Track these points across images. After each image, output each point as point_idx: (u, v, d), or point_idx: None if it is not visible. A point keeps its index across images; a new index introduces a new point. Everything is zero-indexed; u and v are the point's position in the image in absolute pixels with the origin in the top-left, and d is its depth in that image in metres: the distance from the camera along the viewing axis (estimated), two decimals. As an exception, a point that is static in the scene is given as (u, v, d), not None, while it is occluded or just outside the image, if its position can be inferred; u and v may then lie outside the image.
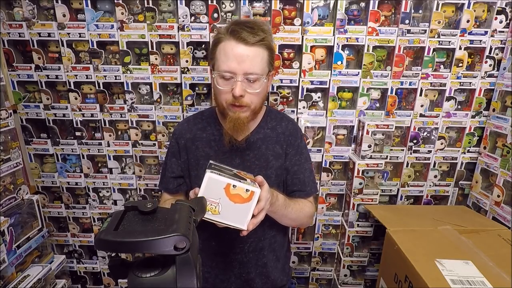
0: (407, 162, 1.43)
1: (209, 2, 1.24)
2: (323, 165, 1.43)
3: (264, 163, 0.97)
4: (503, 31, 1.27)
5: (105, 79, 1.33)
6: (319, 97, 1.38)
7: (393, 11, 1.29)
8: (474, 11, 1.25)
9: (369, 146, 1.33)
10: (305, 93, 1.35)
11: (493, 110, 1.32)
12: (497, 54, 1.29)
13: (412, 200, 1.51)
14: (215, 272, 0.99)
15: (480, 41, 1.28)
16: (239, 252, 0.97)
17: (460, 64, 1.31)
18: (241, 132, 0.93)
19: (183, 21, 1.26)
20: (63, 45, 1.29)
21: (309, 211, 1.00)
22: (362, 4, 1.27)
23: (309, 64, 1.31)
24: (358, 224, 1.43)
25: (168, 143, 1.40)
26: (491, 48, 1.29)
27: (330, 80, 1.32)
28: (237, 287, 0.99)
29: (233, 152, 0.97)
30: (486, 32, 1.27)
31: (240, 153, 0.97)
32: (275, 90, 1.35)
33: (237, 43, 0.83)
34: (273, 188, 0.95)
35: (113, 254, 0.49)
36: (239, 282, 0.99)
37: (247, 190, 0.72)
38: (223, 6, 1.26)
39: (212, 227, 0.97)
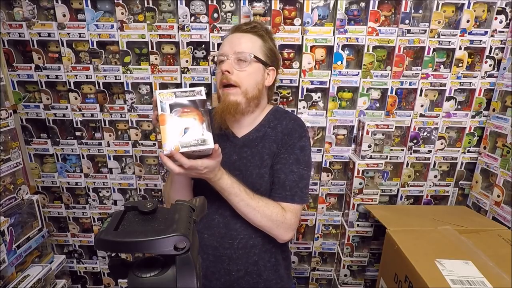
0: (407, 162, 1.43)
1: (209, 2, 1.24)
2: (323, 165, 1.43)
3: (258, 161, 0.96)
4: (503, 31, 1.27)
5: (105, 79, 1.33)
6: (319, 97, 1.38)
7: (393, 11, 1.29)
8: (474, 11, 1.25)
9: (369, 146, 1.33)
10: (305, 93, 1.35)
11: (493, 110, 1.32)
12: (497, 54, 1.29)
13: (412, 200, 1.51)
14: (206, 264, 0.99)
15: (480, 41, 1.28)
16: (228, 248, 0.96)
17: (460, 64, 1.31)
18: (230, 117, 0.95)
19: (183, 21, 1.26)
20: (63, 45, 1.29)
21: (273, 216, 0.89)
22: (362, 4, 1.27)
23: (309, 64, 1.31)
24: (358, 224, 1.43)
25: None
26: (491, 48, 1.29)
27: (330, 80, 1.32)
28: (226, 281, 0.98)
29: (231, 148, 0.99)
30: (486, 32, 1.27)
31: (238, 150, 0.98)
32: (275, 90, 1.35)
33: (232, 34, 0.98)
34: (266, 187, 0.96)
35: (113, 254, 0.49)
36: (228, 277, 0.98)
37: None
38: (223, 6, 1.26)
39: (205, 219, 0.98)
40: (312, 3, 1.26)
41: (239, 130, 1.00)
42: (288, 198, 0.93)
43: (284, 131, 0.98)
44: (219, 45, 1.28)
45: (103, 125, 1.39)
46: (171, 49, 1.31)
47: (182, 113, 0.76)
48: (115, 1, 1.24)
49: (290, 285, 1.10)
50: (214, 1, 1.24)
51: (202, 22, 1.26)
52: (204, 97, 0.77)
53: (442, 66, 1.33)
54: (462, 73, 1.32)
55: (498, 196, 1.25)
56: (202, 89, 0.78)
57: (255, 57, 0.93)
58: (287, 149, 0.96)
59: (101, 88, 1.35)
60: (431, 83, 1.33)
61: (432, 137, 1.41)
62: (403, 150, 1.41)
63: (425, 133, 1.42)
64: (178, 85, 1.35)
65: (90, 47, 1.30)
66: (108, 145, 1.42)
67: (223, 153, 0.95)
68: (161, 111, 0.75)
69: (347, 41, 1.28)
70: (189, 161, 0.75)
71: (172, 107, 0.75)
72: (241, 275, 0.98)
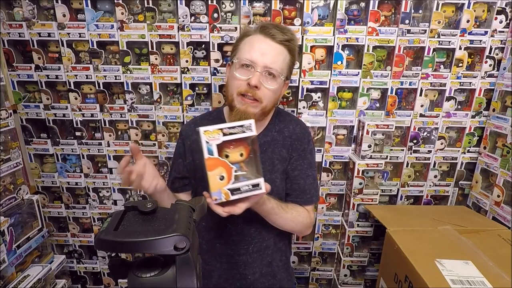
0: (407, 162, 1.43)
1: (209, 2, 1.24)
2: (323, 165, 1.43)
3: (269, 166, 0.96)
4: (503, 31, 1.27)
5: (105, 79, 1.33)
6: (319, 97, 1.38)
7: (393, 11, 1.29)
8: (474, 11, 1.25)
9: (369, 146, 1.33)
10: (305, 93, 1.35)
11: (493, 110, 1.32)
12: (497, 54, 1.29)
13: (412, 200, 1.51)
14: (220, 272, 1.00)
15: (480, 41, 1.28)
16: (243, 254, 0.97)
17: (460, 64, 1.31)
18: None
19: (183, 21, 1.26)
20: (63, 45, 1.29)
21: (304, 221, 0.95)
22: (362, 4, 1.27)
23: (309, 64, 1.31)
24: (358, 224, 1.43)
25: (168, 143, 1.40)
26: (491, 48, 1.29)
27: (330, 80, 1.32)
28: (242, 285, 0.99)
29: None
30: (486, 32, 1.27)
31: None
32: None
33: (264, 37, 0.87)
34: (278, 191, 0.95)
35: (113, 254, 0.49)
36: (244, 282, 0.99)
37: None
38: (223, 6, 1.26)
39: (216, 228, 0.98)
40: (312, 3, 1.26)
41: None
42: (309, 201, 0.99)
43: (293, 136, 0.98)
44: (219, 45, 1.28)
45: (103, 125, 1.39)
46: (171, 49, 1.31)
47: (228, 150, 0.70)
48: (115, 1, 1.24)
49: (294, 279, 1.14)
50: (214, 1, 1.24)
51: (202, 22, 1.26)
52: (254, 132, 0.70)
53: (442, 66, 1.33)
54: (462, 73, 1.32)
55: (498, 196, 1.25)
56: (252, 122, 0.70)
57: (284, 77, 0.90)
58: (300, 155, 0.98)
59: (101, 88, 1.34)
60: (431, 83, 1.33)
61: (432, 137, 1.41)
62: (403, 150, 1.41)
63: (425, 133, 1.42)
64: (178, 85, 1.35)
65: (90, 47, 1.30)
66: (108, 145, 1.42)
67: None
68: (208, 154, 0.67)
69: (347, 41, 1.28)
70: (241, 210, 0.74)
71: (219, 147, 0.68)
72: (256, 277, 0.99)
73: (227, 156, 0.70)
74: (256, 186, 0.71)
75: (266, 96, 0.88)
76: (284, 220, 0.91)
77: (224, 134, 0.68)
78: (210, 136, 0.67)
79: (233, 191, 0.70)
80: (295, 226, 0.94)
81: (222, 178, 0.69)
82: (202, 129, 0.67)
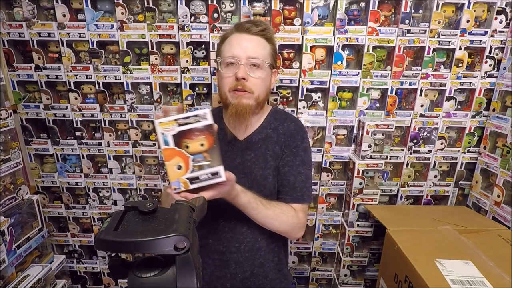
0: (407, 162, 1.43)
1: (209, 2, 1.24)
2: (323, 165, 1.43)
3: (262, 163, 0.97)
4: (503, 31, 1.27)
5: (105, 79, 1.33)
6: (319, 97, 1.38)
7: (393, 11, 1.29)
8: (474, 11, 1.25)
9: (369, 146, 1.33)
10: (305, 93, 1.35)
11: (493, 110, 1.32)
12: (497, 54, 1.29)
13: (412, 200, 1.50)
14: (211, 269, 1.00)
15: (480, 41, 1.28)
16: (235, 252, 0.97)
17: (460, 64, 1.31)
18: (243, 121, 0.92)
19: (183, 21, 1.26)
20: (63, 45, 1.29)
21: (289, 220, 0.92)
22: (362, 4, 1.27)
23: (309, 64, 1.31)
24: (358, 224, 1.43)
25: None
26: (491, 48, 1.29)
27: (330, 80, 1.32)
28: (233, 285, 0.99)
29: (234, 151, 0.98)
30: (486, 32, 1.27)
31: (241, 153, 0.98)
32: (275, 90, 1.35)
33: (241, 34, 0.93)
34: (270, 188, 0.96)
35: (113, 254, 0.49)
36: (234, 281, 0.99)
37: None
38: (223, 6, 1.26)
39: (209, 224, 0.98)
40: (312, 3, 1.26)
41: (240, 133, 0.99)
42: (299, 199, 0.96)
43: (287, 133, 0.99)
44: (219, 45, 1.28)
45: (103, 125, 1.39)
46: (171, 49, 1.31)
47: (188, 141, 0.70)
48: (115, 1, 1.24)
49: (291, 281, 1.12)
50: (214, 1, 1.24)
51: (202, 22, 1.26)
52: (210, 121, 0.70)
53: (442, 66, 1.33)
54: (462, 73, 1.32)
55: (498, 196, 1.25)
56: (208, 112, 0.70)
57: (268, 64, 0.93)
58: (292, 151, 0.98)
59: (101, 88, 1.34)
60: (431, 83, 1.33)
61: (432, 137, 1.41)
62: (403, 150, 1.41)
63: (425, 133, 1.42)
64: (178, 85, 1.35)
65: (90, 47, 1.30)
66: (108, 145, 1.42)
67: (226, 157, 0.95)
68: (164, 145, 0.69)
69: (347, 41, 1.28)
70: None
71: (175, 137, 0.69)
72: (246, 276, 0.99)
73: (187, 147, 0.71)
74: (215, 174, 0.72)
75: (256, 86, 0.91)
76: (264, 217, 0.89)
77: (180, 125, 0.69)
78: (165, 128, 0.69)
79: (192, 180, 0.71)
80: (278, 225, 0.92)
81: (179, 167, 0.71)
82: (157, 121, 0.69)
